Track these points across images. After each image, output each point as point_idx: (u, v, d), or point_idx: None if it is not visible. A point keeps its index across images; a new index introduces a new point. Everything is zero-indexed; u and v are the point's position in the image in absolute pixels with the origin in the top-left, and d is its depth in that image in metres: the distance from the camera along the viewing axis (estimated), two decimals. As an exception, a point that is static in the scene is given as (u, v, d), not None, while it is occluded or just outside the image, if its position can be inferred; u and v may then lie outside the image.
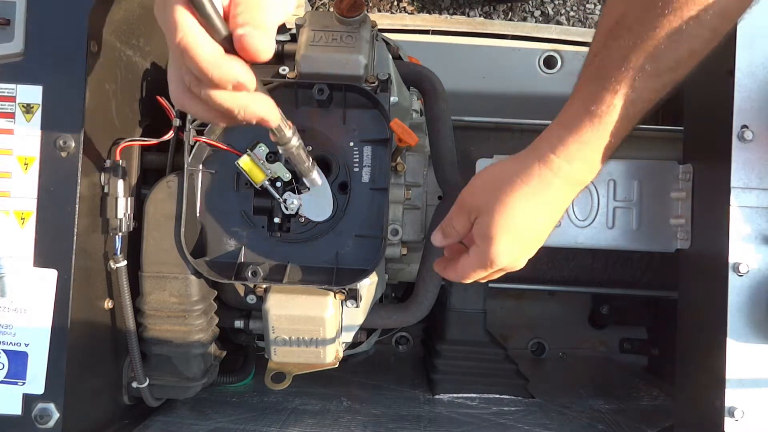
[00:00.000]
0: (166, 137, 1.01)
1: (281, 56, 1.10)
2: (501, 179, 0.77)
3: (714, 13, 0.70)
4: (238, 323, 1.08)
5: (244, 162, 0.96)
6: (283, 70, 1.03)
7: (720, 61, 0.91)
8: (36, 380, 0.87)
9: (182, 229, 0.98)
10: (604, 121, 0.73)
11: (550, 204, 0.77)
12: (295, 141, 0.78)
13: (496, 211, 0.76)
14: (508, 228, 0.77)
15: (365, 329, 1.11)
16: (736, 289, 0.89)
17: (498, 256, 0.78)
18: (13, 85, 0.88)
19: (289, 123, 0.74)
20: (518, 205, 0.76)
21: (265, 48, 0.58)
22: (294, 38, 1.16)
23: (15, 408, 0.87)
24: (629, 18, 0.72)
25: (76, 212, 0.88)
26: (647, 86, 0.72)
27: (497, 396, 1.18)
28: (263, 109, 0.63)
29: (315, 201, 1.00)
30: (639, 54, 0.71)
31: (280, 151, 0.81)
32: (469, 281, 0.83)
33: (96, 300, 0.96)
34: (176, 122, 1.00)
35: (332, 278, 1.00)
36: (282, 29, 1.44)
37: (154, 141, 1.01)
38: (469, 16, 2.24)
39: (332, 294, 1.00)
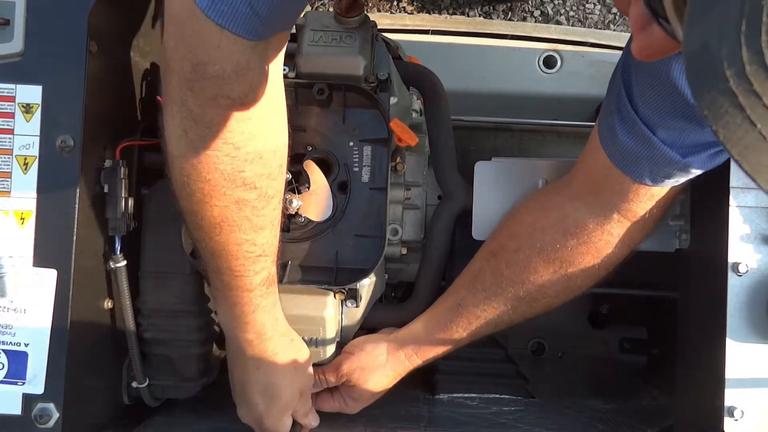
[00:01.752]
0: (166, 137, 1.01)
1: (281, 56, 1.10)
2: (374, 366, 1.06)
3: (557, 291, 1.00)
4: (238, 323, 1.08)
5: (244, 162, 0.95)
6: (283, 70, 1.03)
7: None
8: (36, 380, 0.87)
9: (182, 229, 0.98)
10: (455, 345, 1.05)
11: (398, 377, 1.09)
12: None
13: (363, 388, 1.07)
14: (367, 397, 1.08)
15: (365, 329, 1.11)
16: (736, 288, 0.89)
17: (353, 411, 1.09)
18: (12, 85, 0.88)
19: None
20: (379, 384, 1.07)
21: None
22: (293, 38, 1.16)
23: (15, 408, 0.87)
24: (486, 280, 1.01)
25: (76, 212, 0.88)
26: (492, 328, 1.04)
27: (497, 396, 1.18)
28: None
29: (315, 201, 1.00)
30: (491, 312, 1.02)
31: None
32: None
33: (96, 300, 0.96)
34: (176, 122, 1.00)
35: (332, 278, 1.00)
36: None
37: (154, 141, 1.01)
38: (468, 16, 2.24)
39: (332, 294, 1.00)
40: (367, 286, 1.03)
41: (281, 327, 0.97)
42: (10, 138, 0.88)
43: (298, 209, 0.99)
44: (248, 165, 0.80)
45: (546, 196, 1.03)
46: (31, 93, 0.88)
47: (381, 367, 1.05)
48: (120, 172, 0.95)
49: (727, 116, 0.40)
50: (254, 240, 0.85)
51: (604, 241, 0.94)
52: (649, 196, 0.90)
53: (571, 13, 2.25)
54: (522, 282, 0.99)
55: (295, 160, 1.01)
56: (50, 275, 0.88)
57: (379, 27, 1.09)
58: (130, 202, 0.97)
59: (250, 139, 0.79)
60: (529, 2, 2.26)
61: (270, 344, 0.95)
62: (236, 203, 0.82)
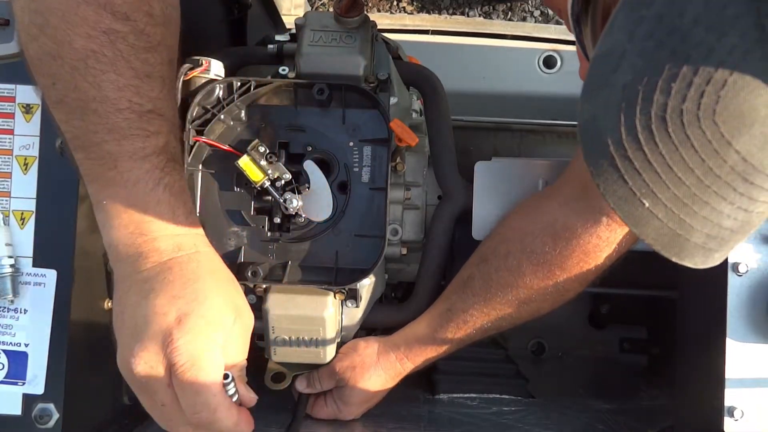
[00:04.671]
0: (166, 137, 1.01)
1: (281, 56, 1.10)
2: (366, 365, 1.04)
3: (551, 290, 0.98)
4: (238, 323, 1.08)
5: (244, 162, 0.96)
6: (283, 70, 1.03)
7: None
8: (36, 380, 0.87)
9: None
10: (445, 349, 1.04)
11: (391, 381, 1.06)
12: None
13: (356, 389, 1.04)
14: (360, 400, 1.06)
15: (365, 329, 1.11)
16: (736, 288, 0.89)
17: (348, 416, 1.07)
18: (12, 86, 0.88)
19: None
20: (371, 386, 1.04)
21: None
22: (293, 38, 1.16)
23: (15, 408, 0.87)
24: (475, 281, 1.01)
25: (76, 212, 0.88)
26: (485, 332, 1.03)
27: (497, 396, 1.18)
28: None
29: (315, 201, 1.00)
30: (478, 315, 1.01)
31: None
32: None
33: (96, 300, 0.96)
34: (176, 122, 1.00)
35: (332, 278, 1.00)
36: (282, 29, 1.45)
37: (153, 141, 1.00)
38: (468, 16, 2.24)
39: (332, 294, 1.00)
40: (367, 286, 1.03)
41: (200, 228, 0.79)
42: (10, 138, 0.88)
43: (298, 209, 0.99)
44: None
45: (536, 201, 1.03)
46: (31, 93, 0.88)
47: (372, 367, 1.05)
48: (120, 172, 0.94)
49: (607, 174, 0.50)
50: (139, 88, 0.70)
51: (593, 244, 0.95)
52: None
53: (571, 13, 2.25)
54: (511, 286, 0.99)
55: (295, 160, 1.01)
56: (50, 275, 0.88)
57: (379, 27, 1.09)
58: (130, 202, 0.97)
59: None
60: (529, 2, 2.26)
61: (185, 240, 0.75)
62: (105, 33, 0.67)
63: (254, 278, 0.98)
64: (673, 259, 0.53)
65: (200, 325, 0.71)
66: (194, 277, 0.73)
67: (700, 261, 0.54)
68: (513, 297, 1.00)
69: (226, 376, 0.72)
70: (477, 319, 1.02)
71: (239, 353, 0.77)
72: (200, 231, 0.78)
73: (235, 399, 0.75)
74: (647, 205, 0.50)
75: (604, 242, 0.94)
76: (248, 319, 0.79)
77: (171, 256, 0.73)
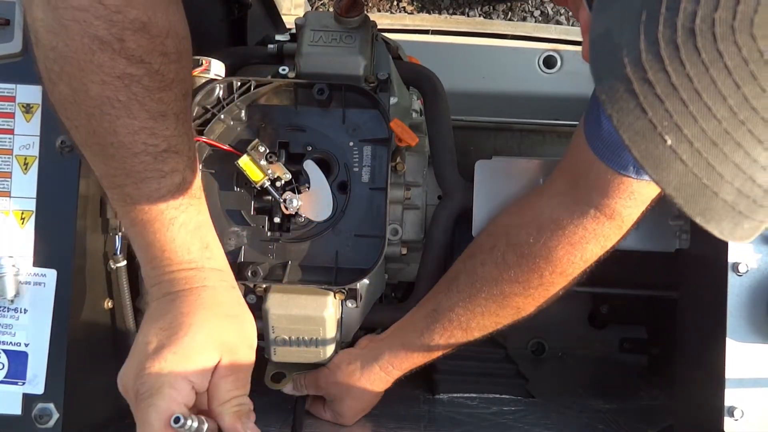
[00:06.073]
0: (166, 137, 1.00)
1: (281, 56, 1.10)
2: (350, 384, 1.03)
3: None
4: (238, 323, 1.08)
5: (244, 162, 0.96)
6: (283, 69, 1.03)
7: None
8: (36, 380, 0.87)
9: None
10: (433, 354, 1.02)
11: (380, 391, 1.06)
12: None
13: (344, 405, 1.05)
14: (351, 413, 1.06)
15: (365, 329, 1.11)
16: (736, 288, 0.89)
17: (345, 423, 1.07)
18: (12, 85, 0.88)
19: None
20: (359, 401, 1.05)
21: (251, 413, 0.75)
22: (293, 38, 1.16)
23: (15, 408, 0.87)
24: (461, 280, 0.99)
25: (76, 212, 0.88)
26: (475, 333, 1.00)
27: (497, 396, 1.18)
28: None
29: (315, 201, 1.01)
30: (464, 316, 0.98)
31: None
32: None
33: (96, 300, 0.96)
34: (176, 122, 1.00)
35: (332, 278, 1.00)
36: (282, 29, 1.45)
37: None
38: (468, 16, 2.24)
39: (332, 293, 1.00)
40: (367, 285, 1.03)
41: (216, 263, 0.80)
42: (10, 138, 0.88)
43: (298, 209, 0.99)
44: (131, 34, 0.67)
45: (525, 198, 1.02)
46: (31, 93, 0.88)
47: (356, 385, 1.03)
48: (120, 172, 0.94)
49: (622, 101, 0.41)
50: (154, 129, 0.71)
51: (579, 236, 0.92)
52: (629, 193, 0.87)
53: (571, 13, 2.25)
54: (496, 280, 0.96)
55: (295, 160, 1.01)
56: (50, 275, 0.88)
57: (379, 27, 1.09)
58: (130, 202, 0.96)
59: (127, 5, 0.67)
60: (529, 2, 2.26)
61: (196, 274, 0.77)
62: (120, 78, 0.68)
63: (254, 278, 0.98)
64: (697, 220, 0.45)
65: (170, 359, 0.71)
66: (187, 311, 0.74)
67: (727, 228, 0.45)
68: (498, 291, 0.96)
69: (177, 420, 0.69)
70: (463, 318, 0.99)
71: (230, 390, 0.74)
72: (216, 265, 0.80)
73: None
74: (669, 142, 0.41)
75: (590, 234, 0.92)
76: (243, 357, 0.77)
77: (178, 289, 0.76)
